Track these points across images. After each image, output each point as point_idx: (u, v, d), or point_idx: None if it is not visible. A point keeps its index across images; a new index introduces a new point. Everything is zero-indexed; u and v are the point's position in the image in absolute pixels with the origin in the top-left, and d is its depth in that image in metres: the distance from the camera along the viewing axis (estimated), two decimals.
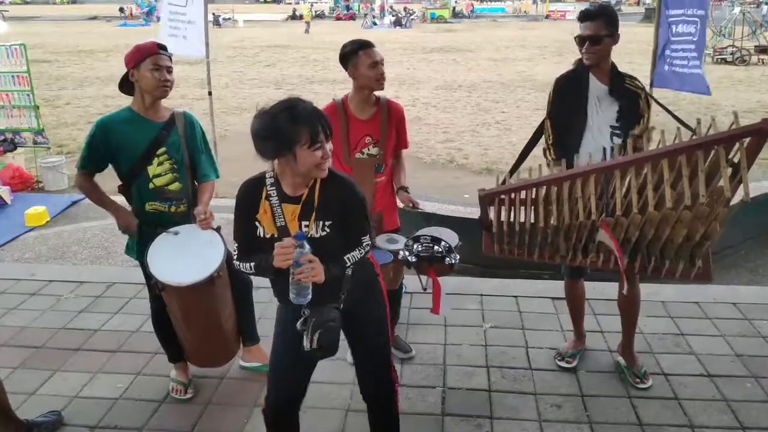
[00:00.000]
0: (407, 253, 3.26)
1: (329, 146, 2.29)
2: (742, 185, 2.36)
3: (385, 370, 2.72)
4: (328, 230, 2.38)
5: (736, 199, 2.49)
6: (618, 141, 3.31)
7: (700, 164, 2.48)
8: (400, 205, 3.65)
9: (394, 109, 3.55)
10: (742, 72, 18.89)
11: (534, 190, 3.18)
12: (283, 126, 2.22)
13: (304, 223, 2.37)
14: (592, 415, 3.29)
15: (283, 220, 2.36)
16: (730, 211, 2.54)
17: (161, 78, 3.06)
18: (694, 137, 2.65)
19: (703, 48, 5.11)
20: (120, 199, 3.30)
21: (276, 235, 2.36)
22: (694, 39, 5.03)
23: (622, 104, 3.30)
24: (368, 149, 3.47)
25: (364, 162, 3.47)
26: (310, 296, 2.29)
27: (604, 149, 3.27)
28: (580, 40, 3.24)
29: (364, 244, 2.47)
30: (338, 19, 50.55)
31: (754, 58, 20.97)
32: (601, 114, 3.32)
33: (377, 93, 3.50)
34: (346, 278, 2.47)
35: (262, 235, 2.41)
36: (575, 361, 3.72)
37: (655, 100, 3.63)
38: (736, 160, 2.49)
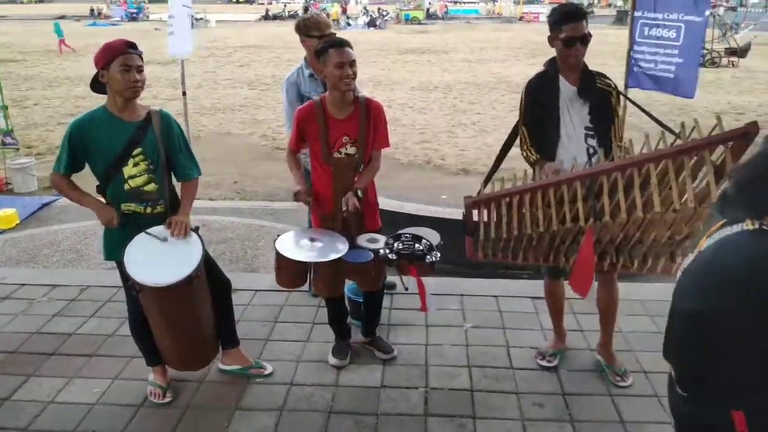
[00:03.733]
0: (387, 250, 3.24)
1: None
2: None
3: None
4: None
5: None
6: (593, 142, 3.32)
7: (686, 168, 2.49)
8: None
9: (373, 108, 3.50)
10: (713, 74, 19.19)
11: (519, 196, 3.17)
12: None
13: None
14: (574, 414, 3.31)
15: None
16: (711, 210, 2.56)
17: (131, 79, 2.98)
18: (678, 140, 2.66)
19: (694, 53, 5.20)
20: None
21: None
22: (677, 44, 5.13)
23: (592, 104, 3.30)
24: (346, 149, 3.43)
25: (342, 161, 3.44)
26: None
27: (588, 154, 3.28)
28: (570, 41, 3.20)
29: None
30: None
31: (725, 60, 21.37)
32: (574, 116, 3.31)
33: (357, 92, 3.47)
34: None
35: None
36: (556, 360, 3.73)
37: (636, 105, 3.65)
38: (718, 161, 2.50)
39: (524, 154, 3.40)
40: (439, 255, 3.24)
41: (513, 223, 3.14)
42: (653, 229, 2.78)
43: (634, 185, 2.66)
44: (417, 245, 3.26)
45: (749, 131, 2.35)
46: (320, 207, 3.54)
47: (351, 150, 3.44)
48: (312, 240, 3.33)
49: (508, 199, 3.21)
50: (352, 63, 3.30)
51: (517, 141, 3.48)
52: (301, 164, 3.63)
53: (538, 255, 3.22)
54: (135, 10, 50.32)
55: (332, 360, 3.75)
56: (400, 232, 3.37)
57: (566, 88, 3.32)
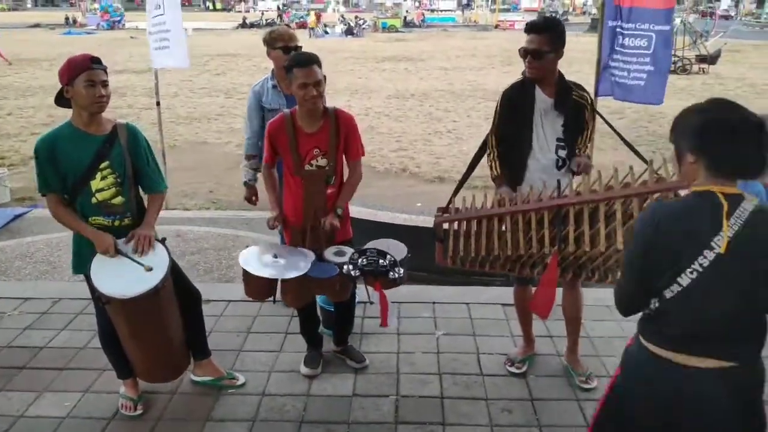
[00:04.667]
0: (351, 266, 3.25)
1: None
2: None
3: None
4: None
5: None
6: (563, 154, 3.39)
7: (650, 199, 2.57)
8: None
9: (343, 119, 3.52)
10: (684, 81, 19.51)
11: (487, 219, 3.23)
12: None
13: None
14: (541, 419, 3.37)
15: None
16: None
17: (96, 94, 2.99)
18: (646, 171, 2.74)
19: (664, 61, 5.30)
20: None
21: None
22: (648, 52, 5.22)
23: (567, 117, 3.37)
24: (317, 161, 3.46)
25: (313, 174, 3.47)
26: None
27: (557, 165, 3.35)
28: (523, 53, 3.29)
29: None
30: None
31: (695, 68, 21.73)
32: (547, 127, 3.37)
33: (326, 104, 3.51)
34: None
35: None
36: (525, 366, 3.79)
37: (612, 127, 3.71)
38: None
39: (490, 164, 3.47)
40: (403, 271, 3.27)
41: (481, 242, 3.20)
42: (615, 254, 2.85)
43: (599, 217, 2.74)
44: (381, 261, 3.28)
45: None
46: (291, 219, 3.57)
47: (322, 162, 3.47)
48: (275, 257, 3.35)
49: (476, 221, 3.27)
50: (317, 83, 3.29)
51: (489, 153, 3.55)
52: (276, 184, 3.67)
53: (506, 267, 3.28)
54: (118, 18, 50.01)
55: (304, 370, 3.77)
56: (366, 246, 3.39)
57: (542, 100, 3.37)
